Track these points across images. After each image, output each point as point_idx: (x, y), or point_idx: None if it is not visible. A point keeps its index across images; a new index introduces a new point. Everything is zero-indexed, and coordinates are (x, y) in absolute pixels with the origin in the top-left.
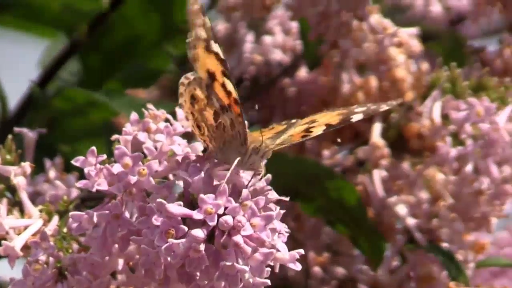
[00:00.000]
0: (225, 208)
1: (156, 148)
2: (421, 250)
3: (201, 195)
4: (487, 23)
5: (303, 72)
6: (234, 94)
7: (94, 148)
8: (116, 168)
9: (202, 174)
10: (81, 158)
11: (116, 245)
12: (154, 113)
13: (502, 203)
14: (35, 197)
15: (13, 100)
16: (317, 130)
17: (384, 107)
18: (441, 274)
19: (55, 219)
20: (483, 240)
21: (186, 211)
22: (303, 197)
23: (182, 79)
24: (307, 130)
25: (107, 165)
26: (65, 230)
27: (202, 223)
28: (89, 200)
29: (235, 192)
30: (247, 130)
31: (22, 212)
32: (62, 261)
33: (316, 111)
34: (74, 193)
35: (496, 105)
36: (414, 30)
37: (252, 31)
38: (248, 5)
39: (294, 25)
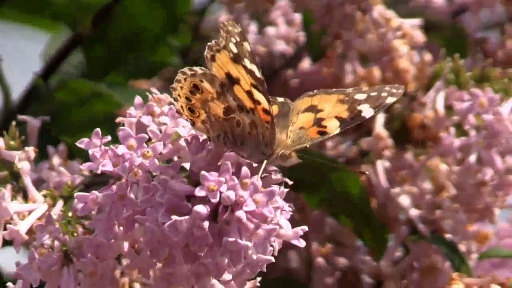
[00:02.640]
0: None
1: (160, 131)
2: (424, 241)
3: (203, 172)
4: (489, 14)
5: (306, 63)
6: (266, 105)
7: (98, 130)
8: (121, 149)
9: (205, 152)
10: (86, 140)
11: (121, 227)
12: (158, 97)
13: (505, 194)
14: (38, 184)
15: (16, 92)
16: (332, 127)
17: (388, 99)
18: (444, 265)
19: (60, 203)
20: (486, 230)
21: (189, 187)
22: (306, 188)
23: (186, 69)
24: (319, 124)
25: (111, 146)
26: (70, 214)
27: (205, 201)
28: (93, 185)
29: (239, 171)
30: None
31: (25, 199)
32: (67, 245)
33: None
34: (78, 179)
35: (499, 96)
36: (417, 21)
37: (255, 22)
38: None
39: (297, 16)
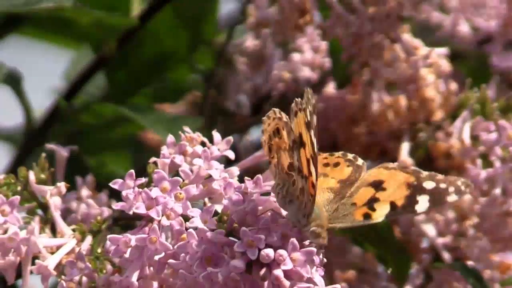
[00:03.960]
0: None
1: (191, 171)
2: (447, 268)
3: (244, 228)
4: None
5: (331, 88)
6: (314, 180)
7: (132, 171)
8: (155, 192)
9: (247, 203)
10: (119, 180)
11: (151, 268)
12: (191, 136)
13: None
14: (65, 214)
15: (35, 108)
16: (380, 212)
17: (451, 196)
18: None
19: (88, 239)
20: (508, 261)
21: (227, 240)
22: None
23: (276, 110)
24: (370, 205)
25: (145, 189)
26: (99, 250)
27: (241, 253)
28: (121, 220)
29: (275, 221)
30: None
31: (53, 230)
32: (95, 282)
33: (344, 129)
34: (106, 212)
35: None
36: (444, 50)
37: (280, 48)
38: (281, 24)
39: (323, 43)
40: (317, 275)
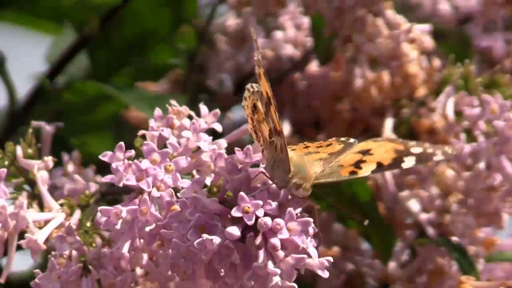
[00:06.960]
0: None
1: (179, 144)
2: (431, 244)
3: (241, 193)
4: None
5: (314, 66)
6: (281, 126)
7: (122, 143)
8: (145, 164)
9: (242, 173)
10: (109, 153)
11: (141, 240)
12: (178, 109)
13: None
14: (52, 190)
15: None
16: (366, 169)
17: (437, 156)
18: (451, 269)
19: (77, 213)
20: (493, 236)
21: (222, 207)
22: (314, 193)
23: (248, 86)
24: (357, 165)
25: (135, 160)
26: (88, 224)
27: (235, 222)
28: (109, 194)
29: (270, 194)
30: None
31: (41, 206)
32: (86, 255)
33: (328, 106)
34: (93, 187)
35: (509, 102)
36: (427, 26)
37: (262, 26)
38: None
39: (306, 20)
40: (311, 246)
